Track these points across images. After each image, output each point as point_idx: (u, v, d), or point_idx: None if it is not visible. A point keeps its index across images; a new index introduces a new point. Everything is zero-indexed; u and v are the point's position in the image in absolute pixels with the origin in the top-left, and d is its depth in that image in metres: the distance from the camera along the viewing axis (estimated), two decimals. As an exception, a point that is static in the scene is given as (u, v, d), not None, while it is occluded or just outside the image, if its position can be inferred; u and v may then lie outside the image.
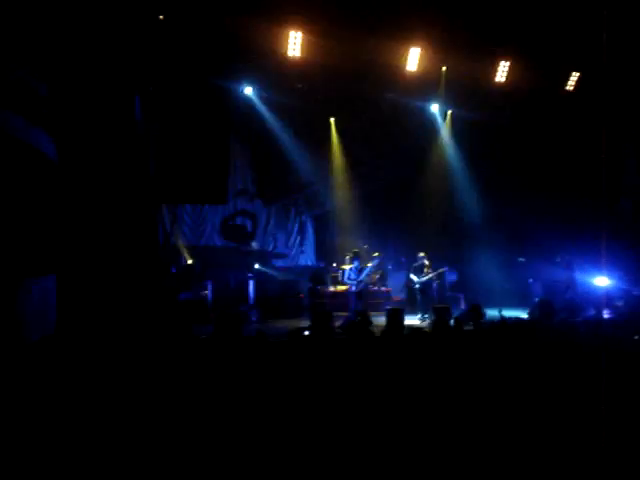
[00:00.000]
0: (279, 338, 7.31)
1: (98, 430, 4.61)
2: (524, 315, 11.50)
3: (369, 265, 13.18)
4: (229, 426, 4.78)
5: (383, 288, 15.82)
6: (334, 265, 15.94)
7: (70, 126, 9.10)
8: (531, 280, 16.77)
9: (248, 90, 14.10)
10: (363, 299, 12.80)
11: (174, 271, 14.02)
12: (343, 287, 14.92)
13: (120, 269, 9.67)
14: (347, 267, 13.46)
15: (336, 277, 15.03)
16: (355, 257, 13.04)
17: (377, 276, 15.72)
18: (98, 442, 4.46)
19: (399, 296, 15.73)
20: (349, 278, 12.74)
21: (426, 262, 13.89)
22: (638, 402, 5.26)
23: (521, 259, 15.63)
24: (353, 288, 12.62)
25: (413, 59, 13.57)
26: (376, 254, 15.77)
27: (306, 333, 7.52)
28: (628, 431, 4.83)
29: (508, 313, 10.56)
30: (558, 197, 15.83)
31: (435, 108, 16.42)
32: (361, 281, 12.60)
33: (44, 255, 8.87)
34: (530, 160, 16.22)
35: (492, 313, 10.56)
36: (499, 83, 14.59)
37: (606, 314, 10.98)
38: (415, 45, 13.39)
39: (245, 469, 4.37)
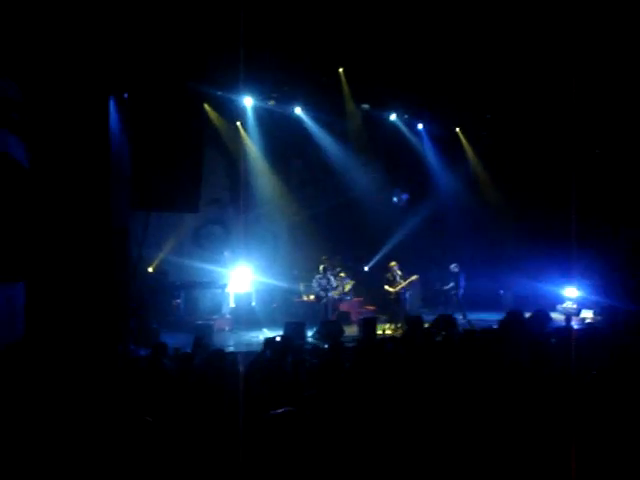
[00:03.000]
0: (251, 348, 7.30)
1: (63, 437, 4.53)
2: (494, 325, 11.60)
3: (340, 282, 13.39)
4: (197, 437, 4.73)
5: (356, 298, 15.85)
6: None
7: (42, 131, 8.97)
8: (502, 291, 16.96)
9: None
10: (333, 309, 12.85)
11: (146, 280, 13.90)
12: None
13: (90, 277, 9.54)
14: (318, 277, 13.47)
15: (309, 286, 15.02)
16: (324, 268, 13.09)
17: (349, 286, 15.76)
18: (64, 451, 4.37)
19: (372, 306, 15.76)
20: (318, 287, 12.79)
21: (398, 272, 13.93)
22: (608, 408, 5.33)
23: (490, 270, 15.81)
24: (320, 298, 12.69)
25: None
26: (343, 274, 15.80)
27: (278, 339, 7.51)
28: (598, 439, 4.89)
29: (479, 323, 10.67)
30: (529, 209, 16.07)
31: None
32: (328, 293, 12.67)
33: (11, 262, 8.72)
34: (500, 170, 16.46)
35: (467, 322, 10.66)
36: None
37: (575, 324, 11.15)
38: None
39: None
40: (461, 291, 14.70)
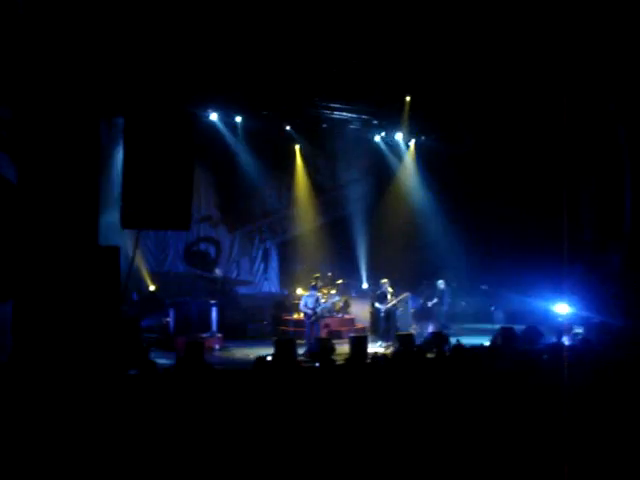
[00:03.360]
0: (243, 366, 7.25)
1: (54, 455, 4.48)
2: (486, 342, 11.60)
3: (328, 300, 13.39)
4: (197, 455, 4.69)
5: (347, 315, 15.81)
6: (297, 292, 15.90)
7: (32, 150, 8.97)
8: (493, 307, 16.96)
9: (213, 116, 14.12)
10: (317, 327, 12.86)
11: (136, 298, 13.81)
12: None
13: (80, 296, 9.48)
14: (305, 294, 13.45)
15: (298, 304, 14.98)
16: (313, 286, 13.10)
17: (341, 304, 15.73)
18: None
19: (363, 323, 15.74)
20: (305, 306, 12.80)
21: (389, 289, 13.91)
22: (599, 420, 5.33)
23: (484, 287, 15.81)
24: (308, 316, 12.68)
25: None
26: (339, 281, 15.80)
27: (269, 358, 7.46)
28: (590, 449, 4.88)
29: (470, 340, 10.65)
30: (521, 225, 16.13)
31: (399, 137, 16.73)
32: (316, 311, 12.66)
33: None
34: (494, 189, 16.55)
35: (455, 339, 10.63)
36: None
37: (566, 341, 11.15)
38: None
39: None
40: (445, 307, 14.74)
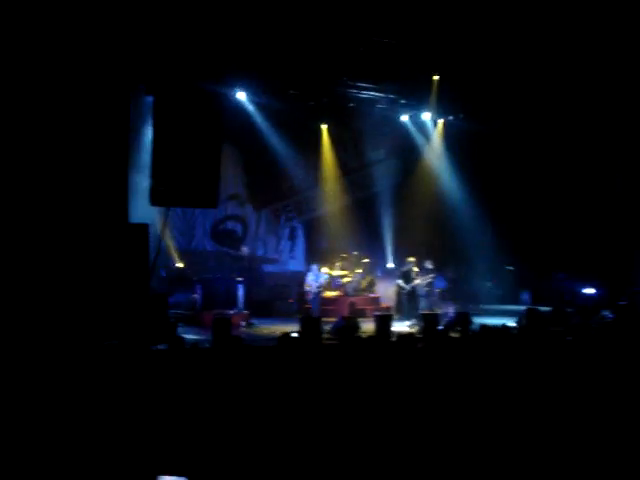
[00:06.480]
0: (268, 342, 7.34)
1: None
2: (512, 323, 11.58)
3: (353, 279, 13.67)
4: (223, 429, 4.80)
5: (372, 294, 15.87)
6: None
7: (64, 129, 9.20)
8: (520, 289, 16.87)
9: (241, 95, 14.15)
10: (319, 304, 13.21)
11: (164, 274, 14.02)
12: (333, 293, 15.06)
13: (110, 272, 9.71)
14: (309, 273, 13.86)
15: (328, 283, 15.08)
16: (312, 264, 13.49)
17: (366, 283, 15.78)
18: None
19: (388, 302, 15.78)
20: (308, 283, 13.25)
21: (415, 268, 13.88)
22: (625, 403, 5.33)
23: (509, 267, 15.73)
24: (312, 294, 13.05)
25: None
26: (365, 260, 15.86)
27: (294, 335, 7.56)
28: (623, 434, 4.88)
29: (496, 321, 10.64)
30: (548, 205, 15.96)
31: (427, 116, 16.57)
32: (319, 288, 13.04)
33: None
34: (522, 169, 16.37)
35: (481, 320, 10.66)
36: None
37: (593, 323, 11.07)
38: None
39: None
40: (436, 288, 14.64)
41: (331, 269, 15.18)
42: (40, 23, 8.84)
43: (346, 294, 15.13)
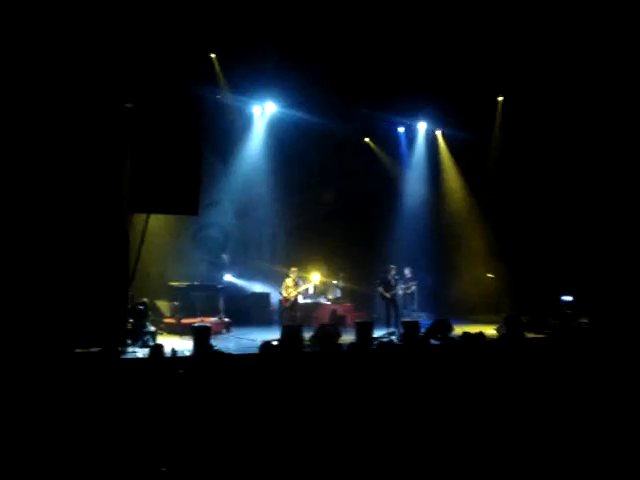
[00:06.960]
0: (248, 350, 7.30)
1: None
2: (492, 330, 11.66)
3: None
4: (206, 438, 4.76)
5: (350, 303, 15.98)
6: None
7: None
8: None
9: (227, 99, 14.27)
10: (294, 311, 13.12)
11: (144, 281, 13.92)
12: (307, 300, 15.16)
13: (89, 278, 9.68)
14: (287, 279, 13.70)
15: (306, 290, 15.04)
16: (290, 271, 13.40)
17: (337, 294, 15.98)
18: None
19: (367, 311, 15.82)
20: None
21: (395, 276, 13.91)
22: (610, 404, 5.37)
23: (490, 275, 15.76)
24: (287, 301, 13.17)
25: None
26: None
27: (274, 343, 7.53)
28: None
29: (476, 328, 10.66)
30: (531, 216, 16.08)
31: (422, 126, 16.87)
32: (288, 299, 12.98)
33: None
34: (509, 175, 16.51)
35: (461, 327, 10.70)
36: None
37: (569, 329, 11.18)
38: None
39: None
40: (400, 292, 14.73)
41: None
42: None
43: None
